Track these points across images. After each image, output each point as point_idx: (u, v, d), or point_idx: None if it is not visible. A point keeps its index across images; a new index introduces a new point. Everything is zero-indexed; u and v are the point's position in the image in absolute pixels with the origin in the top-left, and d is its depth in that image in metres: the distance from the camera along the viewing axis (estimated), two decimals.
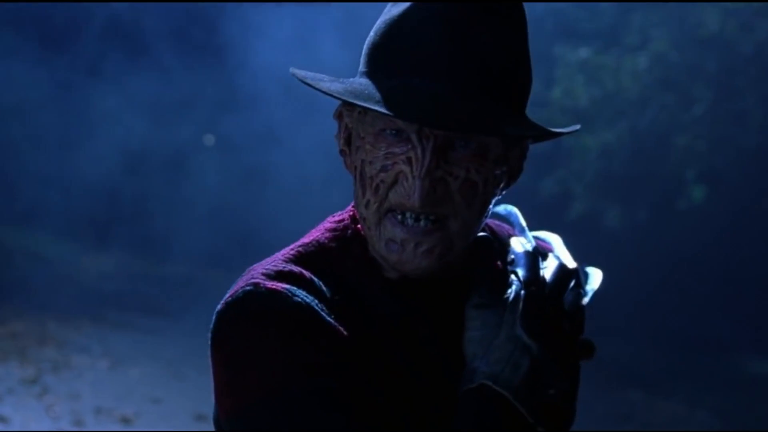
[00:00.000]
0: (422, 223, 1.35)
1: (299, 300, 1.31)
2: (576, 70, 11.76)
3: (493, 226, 1.52)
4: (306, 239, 1.42)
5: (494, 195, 1.40)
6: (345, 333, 1.33)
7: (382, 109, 1.29)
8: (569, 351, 1.37)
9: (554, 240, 1.47)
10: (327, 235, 1.43)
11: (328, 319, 1.32)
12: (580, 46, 11.85)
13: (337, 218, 1.45)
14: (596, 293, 1.42)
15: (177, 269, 12.97)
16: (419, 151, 1.33)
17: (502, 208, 1.48)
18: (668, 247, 12.52)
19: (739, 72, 11.23)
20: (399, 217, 1.35)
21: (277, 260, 1.38)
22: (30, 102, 13.01)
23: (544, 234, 1.49)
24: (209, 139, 14.36)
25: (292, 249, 1.40)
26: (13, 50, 12.51)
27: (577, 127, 1.50)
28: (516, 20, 1.38)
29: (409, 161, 1.33)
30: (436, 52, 1.32)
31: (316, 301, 1.33)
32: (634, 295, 12.99)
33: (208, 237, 12.77)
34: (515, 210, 1.48)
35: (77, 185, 12.91)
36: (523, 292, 1.35)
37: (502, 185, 1.40)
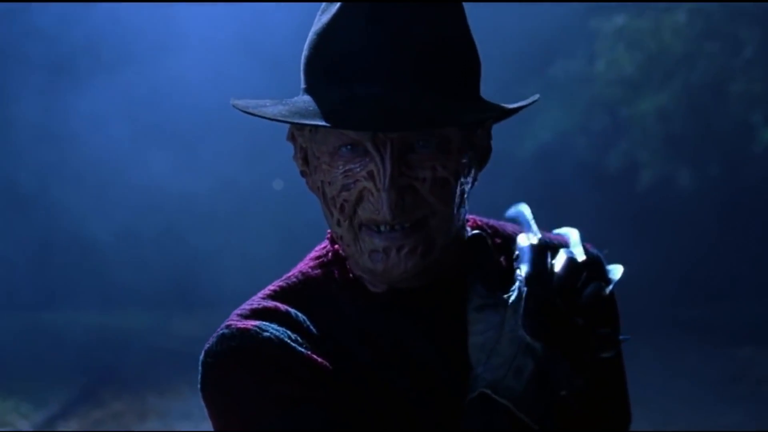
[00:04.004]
0: (398, 228, 1.30)
1: (268, 335, 1.30)
2: (615, 39, 11.62)
3: (497, 225, 1.46)
4: (291, 272, 1.41)
5: (468, 183, 1.35)
6: (322, 361, 1.31)
7: (330, 124, 1.26)
8: (584, 347, 1.29)
9: (572, 234, 1.41)
10: (311, 263, 1.40)
11: (300, 349, 1.30)
12: (615, 14, 11.69)
13: (322, 245, 1.43)
14: (618, 282, 1.36)
15: None
16: (378, 160, 1.28)
17: (512, 210, 1.44)
18: (750, 195, 12.26)
19: None
20: (375, 227, 1.31)
21: (255, 299, 1.37)
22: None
23: (564, 230, 1.44)
24: (278, 184, 14.41)
25: (273, 285, 1.39)
26: None
27: (536, 96, 1.41)
28: (449, 2, 1.32)
29: (370, 175, 1.29)
30: (372, 54, 1.28)
31: (289, 333, 1.31)
32: (725, 251, 12.74)
33: None
34: (522, 208, 1.43)
35: (151, 253, 13.06)
36: (525, 289, 1.29)
37: (473, 170, 1.35)
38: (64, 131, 12.90)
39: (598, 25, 11.77)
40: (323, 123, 1.26)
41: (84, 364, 10.75)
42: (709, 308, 12.16)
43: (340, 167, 1.30)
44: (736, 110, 11.24)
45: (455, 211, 1.32)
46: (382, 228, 1.30)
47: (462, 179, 1.32)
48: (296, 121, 1.28)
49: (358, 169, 1.29)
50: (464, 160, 1.32)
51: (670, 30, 11.36)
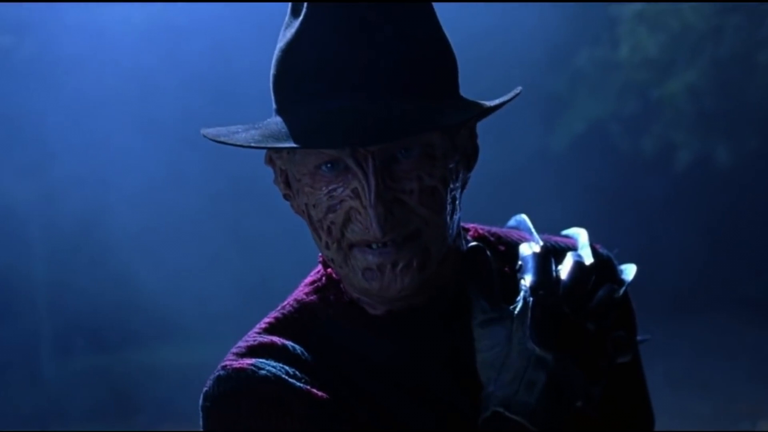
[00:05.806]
0: (390, 244, 1.24)
1: (265, 373, 1.26)
2: (636, 22, 11.57)
3: (500, 232, 1.40)
4: (285, 301, 1.36)
5: (457, 189, 1.29)
6: (322, 394, 1.26)
7: (304, 145, 1.21)
8: (598, 353, 1.25)
9: (581, 235, 1.37)
10: (306, 290, 1.36)
11: (299, 384, 1.26)
12: None
13: (315, 269, 1.37)
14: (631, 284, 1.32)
15: None
16: (361, 176, 1.22)
17: (512, 221, 1.41)
18: None
19: None
20: (366, 246, 1.25)
21: (251, 334, 1.33)
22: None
23: (572, 230, 1.39)
24: None
25: (269, 317, 1.35)
26: None
27: (518, 89, 1.32)
28: (417, 2, 1.26)
29: (355, 194, 1.23)
30: (341, 65, 1.22)
31: (286, 368, 1.27)
32: None
33: None
34: (523, 217, 1.40)
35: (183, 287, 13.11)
36: (531, 299, 1.24)
37: (461, 174, 1.29)
38: None
39: (617, 10, 11.72)
40: (298, 144, 1.20)
41: (140, 401, 10.82)
42: (765, 284, 12.03)
43: (324, 189, 1.25)
44: (767, 81, 11.15)
45: (448, 220, 1.26)
46: (374, 246, 1.24)
47: (451, 185, 1.26)
48: (270, 145, 1.22)
49: (342, 189, 1.24)
50: (451, 165, 1.26)
51: (691, 7, 11.29)
